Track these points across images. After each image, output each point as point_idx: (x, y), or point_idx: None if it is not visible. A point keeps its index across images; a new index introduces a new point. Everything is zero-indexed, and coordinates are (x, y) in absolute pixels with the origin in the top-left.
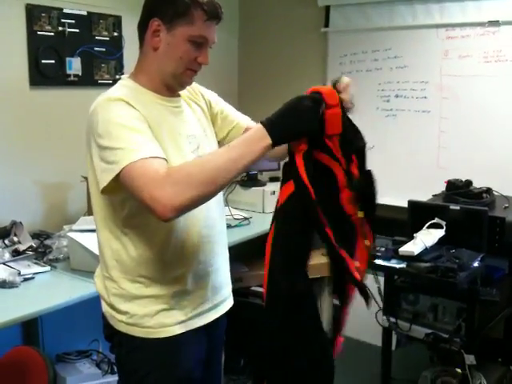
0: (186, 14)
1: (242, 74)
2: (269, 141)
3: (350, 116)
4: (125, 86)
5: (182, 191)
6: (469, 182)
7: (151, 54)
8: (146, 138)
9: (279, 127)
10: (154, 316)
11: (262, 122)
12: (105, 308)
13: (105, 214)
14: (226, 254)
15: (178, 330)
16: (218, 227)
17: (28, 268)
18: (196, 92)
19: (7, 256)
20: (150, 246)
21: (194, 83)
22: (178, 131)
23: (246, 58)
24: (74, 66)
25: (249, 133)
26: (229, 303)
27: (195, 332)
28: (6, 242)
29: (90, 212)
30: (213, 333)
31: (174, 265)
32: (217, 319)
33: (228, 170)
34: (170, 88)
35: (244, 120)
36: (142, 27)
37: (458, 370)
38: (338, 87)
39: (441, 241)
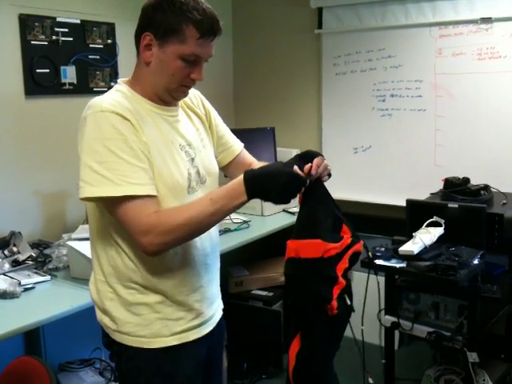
0: (178, 32)
1: (236, 75)
2: (245, 198)
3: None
4: (120, 91)
5: (164, 241)
6: (466, 180)
7: (144, 67)
8: (131, 168)
9: (256, 189)
10: (147, 325)
11: (244, 177)
12: (99, 317)
13: (98, 221)
14: (218, 265)
15: (173, 341)
16: (212, 239)
17: (28, 278)
18: (197, 98)
19: (7, 266)
20: (141, 255)
21: (195, 90)
22: (171, 141)
23: (241, 60)
24: (69, 74)
25: (231, 186)
26: (220, 310)
27: (192, 342)
28: (6, 252)
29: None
30: (211, 339)
31: (165, 276)
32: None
33: (209, 224)
34: (164, 101)
35: (238, 146)
36: (137, 39)
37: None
38: (306, 170)
39: (440, 239)
